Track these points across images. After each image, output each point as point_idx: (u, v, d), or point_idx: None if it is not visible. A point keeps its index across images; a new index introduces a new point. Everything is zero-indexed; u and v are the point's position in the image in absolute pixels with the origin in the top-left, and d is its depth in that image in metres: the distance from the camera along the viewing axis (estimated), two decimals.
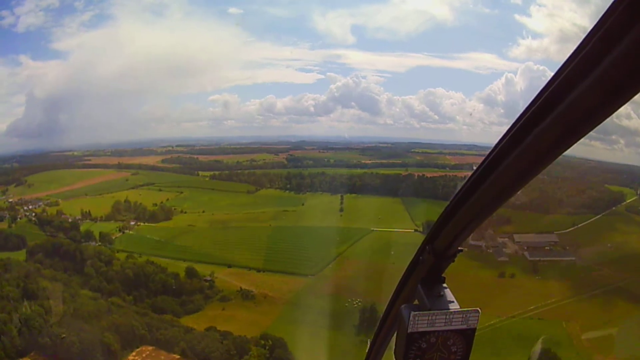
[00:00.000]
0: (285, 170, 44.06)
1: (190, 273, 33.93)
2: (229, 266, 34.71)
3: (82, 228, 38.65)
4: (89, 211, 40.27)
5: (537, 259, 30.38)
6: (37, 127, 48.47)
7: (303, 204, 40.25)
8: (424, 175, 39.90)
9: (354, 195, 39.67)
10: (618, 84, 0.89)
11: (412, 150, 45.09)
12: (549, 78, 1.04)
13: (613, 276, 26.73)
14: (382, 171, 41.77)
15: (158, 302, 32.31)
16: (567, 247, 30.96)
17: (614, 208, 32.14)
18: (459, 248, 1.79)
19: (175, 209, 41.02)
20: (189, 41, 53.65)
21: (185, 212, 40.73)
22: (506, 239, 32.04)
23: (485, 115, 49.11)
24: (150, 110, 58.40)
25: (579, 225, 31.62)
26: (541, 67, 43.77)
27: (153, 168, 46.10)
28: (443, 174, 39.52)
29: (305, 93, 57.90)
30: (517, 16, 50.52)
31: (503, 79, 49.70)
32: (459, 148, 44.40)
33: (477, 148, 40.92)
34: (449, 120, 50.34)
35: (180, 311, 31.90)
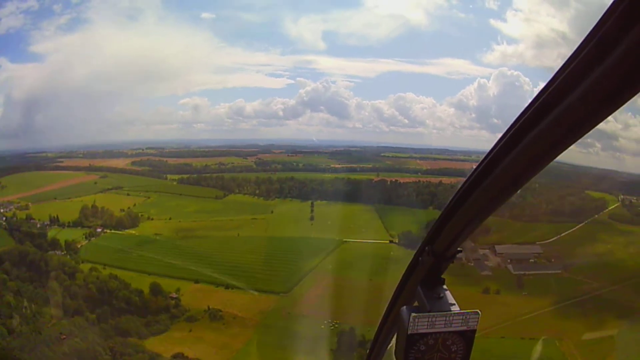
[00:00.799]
0: (254, 175, 42.78)
1: (156, 290, 32.47)
2: (196, 282, 33.26)
3: (49, 235, 37.16)
4: (57, 216, 38.84)
5: (522, 272, 28.67)
6: (15, 128, 48.19)
7: (272, 212, 38.84)
8: (396, 180, 38.36)
9: (324, 202, 38.25)
10: (613, 89, 0.92)
11: (382, 154, 43.81)
12: (546, 82, 1.07)
13: (602, 288, 25.48)
14: (352, 176, 40.47)
15: (122, 322, 30.75)
16: (553, 260, 29.29)
17: (596, 216, 30.50)
18: (459, 249, 1.82)
19: (142, 215, 39.53)
20: (162, 45, 52.80)
21: (152, 219, 39.25)
22: (487, 251, 30.07)
23: (457, 119, 47.50)
24: (122, 112, 57.89)
25: (562, 235, 30.04)
26: (515, 73, 42.39)
27: (122, 171, 44.78)
28: (416, 179, 38.10)
29: (275, 97, 56.41)
30: (492, 21, 49.21)
31: (475, 84, 48.02)
32: (430, 152, 43.38)
33: (448, 152, 40.06)
34: (418, 124, 49.00)
35: (145, 332, 30.45)
